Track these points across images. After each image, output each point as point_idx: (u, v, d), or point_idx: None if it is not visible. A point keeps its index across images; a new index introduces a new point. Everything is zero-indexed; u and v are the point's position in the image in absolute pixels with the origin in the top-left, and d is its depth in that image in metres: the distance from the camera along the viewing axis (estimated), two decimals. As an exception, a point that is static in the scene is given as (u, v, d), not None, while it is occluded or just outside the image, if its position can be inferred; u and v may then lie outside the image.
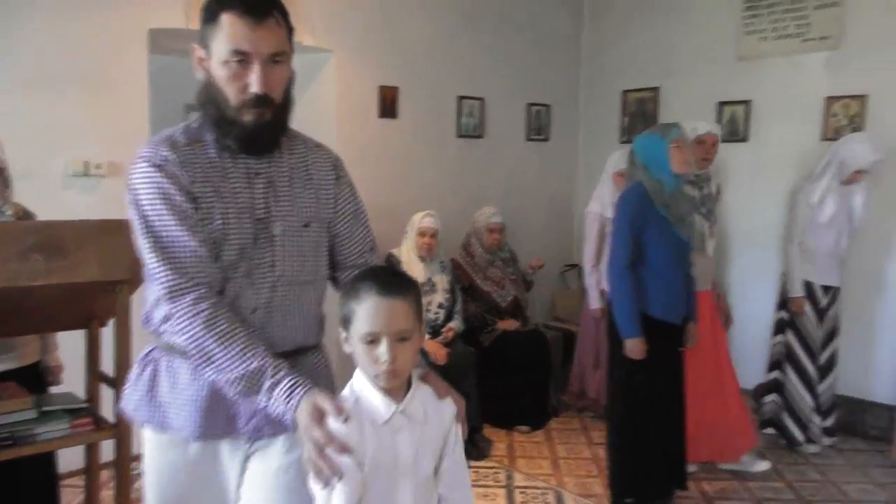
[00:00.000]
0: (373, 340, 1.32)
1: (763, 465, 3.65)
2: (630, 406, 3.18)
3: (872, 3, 4.21)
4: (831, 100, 4.38)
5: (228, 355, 1.38)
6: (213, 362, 1.40)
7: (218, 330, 1.39)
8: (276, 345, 1.49)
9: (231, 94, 1.43)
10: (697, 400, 3.46)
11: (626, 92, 5.40)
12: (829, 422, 4.05)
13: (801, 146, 4.45)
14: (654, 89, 5.22)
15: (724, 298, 3.78)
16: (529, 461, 3.87)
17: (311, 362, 1.62)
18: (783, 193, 4.05)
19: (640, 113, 5.28)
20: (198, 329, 1.39)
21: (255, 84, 1.41)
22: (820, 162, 3.94)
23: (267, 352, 1.40)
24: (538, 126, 5.44)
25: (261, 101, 1.43)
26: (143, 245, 1.44)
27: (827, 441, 4.04)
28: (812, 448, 3.97)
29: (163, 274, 1.42)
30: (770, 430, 4.06)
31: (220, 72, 1.43)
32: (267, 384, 1.37)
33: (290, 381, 1.36)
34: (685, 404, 3.28)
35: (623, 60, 5.40)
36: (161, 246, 1.42)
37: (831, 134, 4.34)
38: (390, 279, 1.36)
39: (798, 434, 3.98)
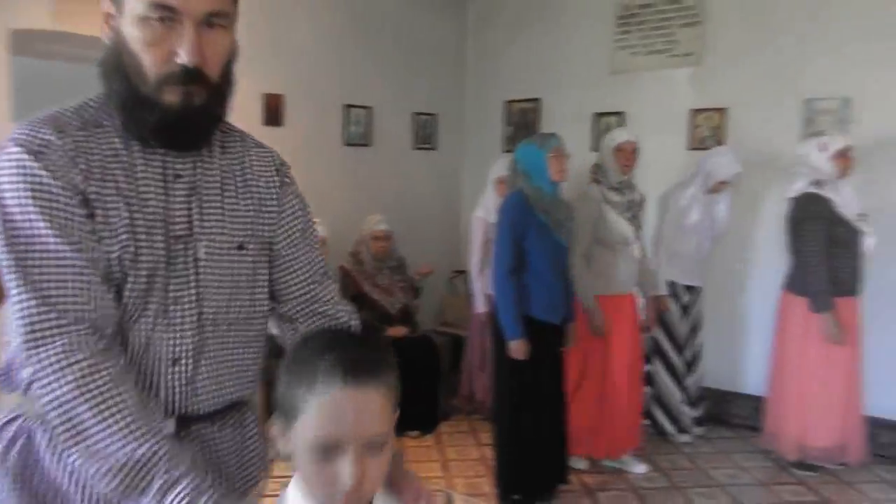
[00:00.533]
0: (331, 451, 0.90)
1: (642, 468, 3.83)
2: (514, 405, 3.29)
3: (731, 22, 4.55)
4: (696, 112, 4.69)
5: (107, 432, 0.98)
6: (83, 440, 0.98)
7: (95, 391, 0.99)
8: (203, 405, 1.17)
9: (149, 63, 1.05)
10: (608, 397, 3.66)
11: (509, 102, 5.57)
12: (698, 412, 4.33)
13: (669, 155, 4.73)
14: (536, 100, 5.41)
15: (665, 300, 3.98)
16: (419, 465, 3.91)
17: (243, 421, 1.28)
18: (653, 199, 4.29)
19: (523, 123, 5.46)
20: (66, 389, 0.98)
21: (184, 52, 1.04)
22: (687, 171, 4.22)
23: (164, 432, 1.03)
24: (425, 135, 5.52)
25: (191, 76, 1.05)
26: (1, 261, 1.03)
27: (697, 430, 4.31)
28: (683, 437, 4.22)
29: (26, 304, 1.01)
30: (644, 422, 4.29)
31: (134, 32, 1.05)
32: (157, 483, 0.97)
33: (190, 483, 0.97)
34: (566, 401, 3.43)
35: (506, 72, 5.57)
36: (27, 264, 1.01)
37: (696, 143, 4.65)
38: (362, 356, 0.94)
39: (668, 425, 4.23)
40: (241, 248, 1.19)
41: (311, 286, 1.29)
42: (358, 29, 4.98)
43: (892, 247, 3.88)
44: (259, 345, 1.27)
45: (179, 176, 1.14)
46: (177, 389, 1.14)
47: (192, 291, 1.14)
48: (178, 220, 1.13)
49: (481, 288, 4.39)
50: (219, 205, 1.17)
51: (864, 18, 4.10)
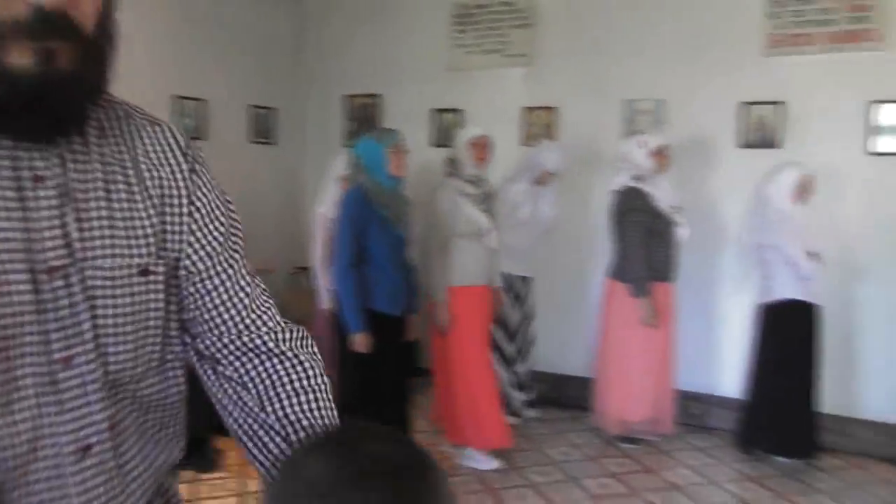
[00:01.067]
0: None
1: (494, 464, 3.82)
2: (359, 398, 3.31)
3: (560, 26, 4.82)
4: (528, 110, 4.93)
5: None
6: None
7: None
8: (134, 497, 0.87)
9: None
10: (465, 388, 3.70)
11: (349, 97, 5.56)
12: (531, 395, 4.55)
13: (504, 151, 4.89)
14: (376, 95, 5.44)
15: (500, 292, 4.08)
16: (264, 466, 3.84)
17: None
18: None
19: (364, 118, 5.48)
20: None
21: None
22: (516, 166, 4.41)
23: None
24: (264, 129, 5.40)
25: (51, 24, 0.71)
26: None
27: (531, 413, 4.53)
28: (513, 420, 4.38)
29: None
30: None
31: None
32: None
33: None
34: (408, 391, 3.50)
35: (346, 66, 5.56)
36: None
37: (529, 140, 4.88)
38: (414, 494, 0.65)
39: None
40: (145, 272, 0.84)
41: (238, 312, 0.94)
42: (191, 19, 4.77)
43: (702, 237, 4.28)
44: (180, 392, 0.94)
45: (41, 179, 0.77)
46: (101, 490, 0.81)
47: (89, 345, 0.79)
48: (48, 244, 0.77)
49: (326, 284, 4.36)
50: (106, 214, 0.82)
51: (676, 28, 4.49)
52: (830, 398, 3.99)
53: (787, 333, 3.82)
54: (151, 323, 0.86)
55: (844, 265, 4.10)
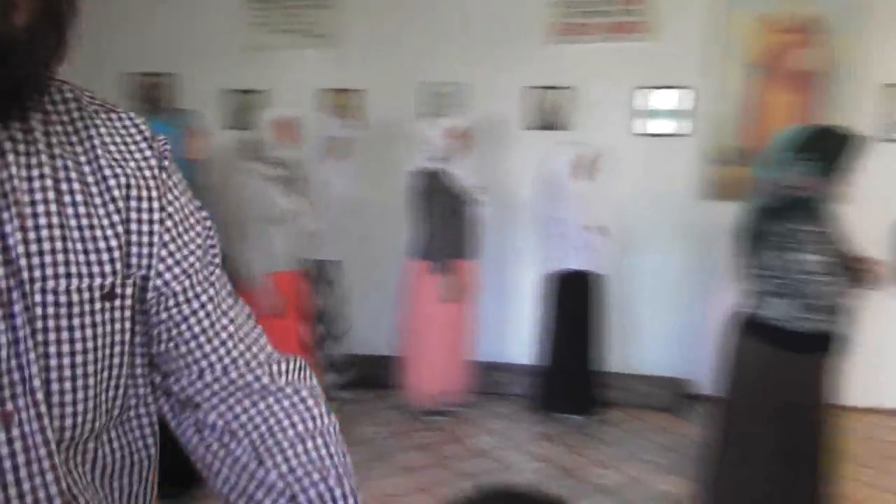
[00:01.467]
0: None
1: None
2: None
3: (364, 8, 4.83)
4: (332, 91, 4.90)
5: None
6: None
7: None
8: None
9: None
10: None
11: (139, 75, 5.22)
12: (346, 378, 4.59)
13: (307, 133, 4.87)
14: (168, 74, 5.15)
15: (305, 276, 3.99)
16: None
17: None
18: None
19: (154, 98, 5.17)
20: None
21: None
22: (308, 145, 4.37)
23: None
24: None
25: None
26: None
27: (345, 395, 4.57)
28: None
29: None
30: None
31: None
32: None
33: None
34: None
35: (134, 42, 5.20)
36: None
37: (333, 123, 4.87)
38: None
39: None
40: (110, 295, 0.67)
41: (222, 343, 0.76)
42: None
43: (498, 215, 4.52)
44: (147, 447, 0.76)
45: None
46: None
47: (38, 394, 0.61)
48: None
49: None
50: (58, 222, 0.64)
51: (472, 14, 4.69)
52: (612, 357, 4.41)
53: (572, 301, 4.16)
54: (116, 360, 0.68)
55: (622, 237, 4.52)
